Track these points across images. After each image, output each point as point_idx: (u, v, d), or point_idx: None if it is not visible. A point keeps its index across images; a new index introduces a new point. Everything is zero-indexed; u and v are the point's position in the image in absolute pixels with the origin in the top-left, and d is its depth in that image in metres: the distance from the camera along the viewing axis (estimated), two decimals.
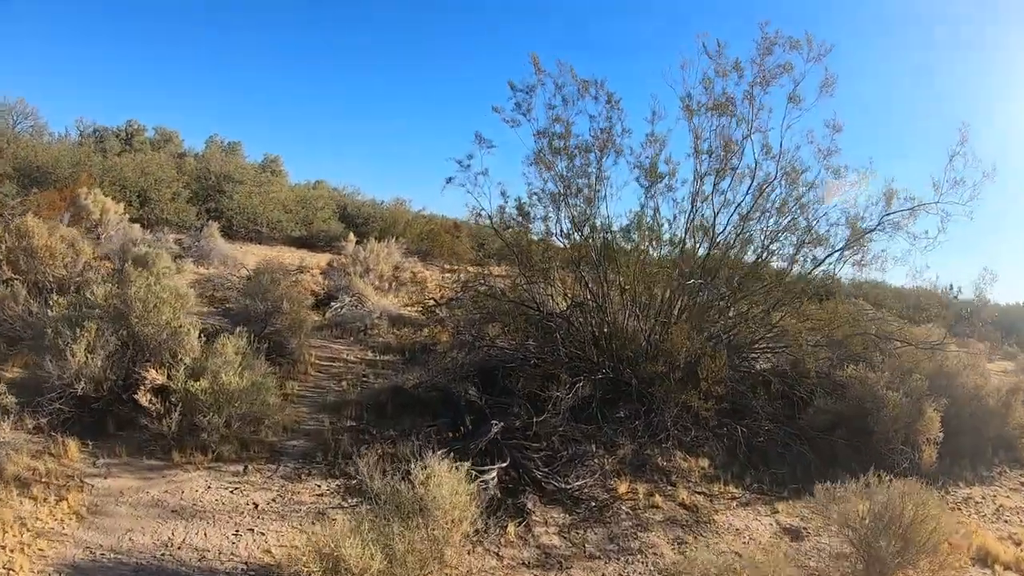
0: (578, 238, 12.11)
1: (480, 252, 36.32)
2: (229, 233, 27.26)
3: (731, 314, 12.23)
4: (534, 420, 9.38)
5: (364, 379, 11.93)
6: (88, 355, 8.25)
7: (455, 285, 15.69)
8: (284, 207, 30.75)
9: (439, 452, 7.57)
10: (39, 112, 31.05)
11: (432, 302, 18.57)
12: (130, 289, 8.75)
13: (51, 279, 11.12)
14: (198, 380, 8.02)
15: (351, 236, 23.81)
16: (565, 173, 11.82)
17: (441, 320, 15.63)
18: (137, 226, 21.61)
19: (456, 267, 15.51)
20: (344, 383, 11.58)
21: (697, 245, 12.14)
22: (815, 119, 11.56)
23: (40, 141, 28.82)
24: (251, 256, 24.25)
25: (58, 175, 23.74)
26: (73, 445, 7.95)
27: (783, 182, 11.73)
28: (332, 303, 16.50)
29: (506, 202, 12.06)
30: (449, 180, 11.79)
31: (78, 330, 8.24)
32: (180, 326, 8.57)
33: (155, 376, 8.04)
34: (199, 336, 8.75)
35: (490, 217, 12.01)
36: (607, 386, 10.90)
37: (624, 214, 12.43)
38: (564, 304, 12.49)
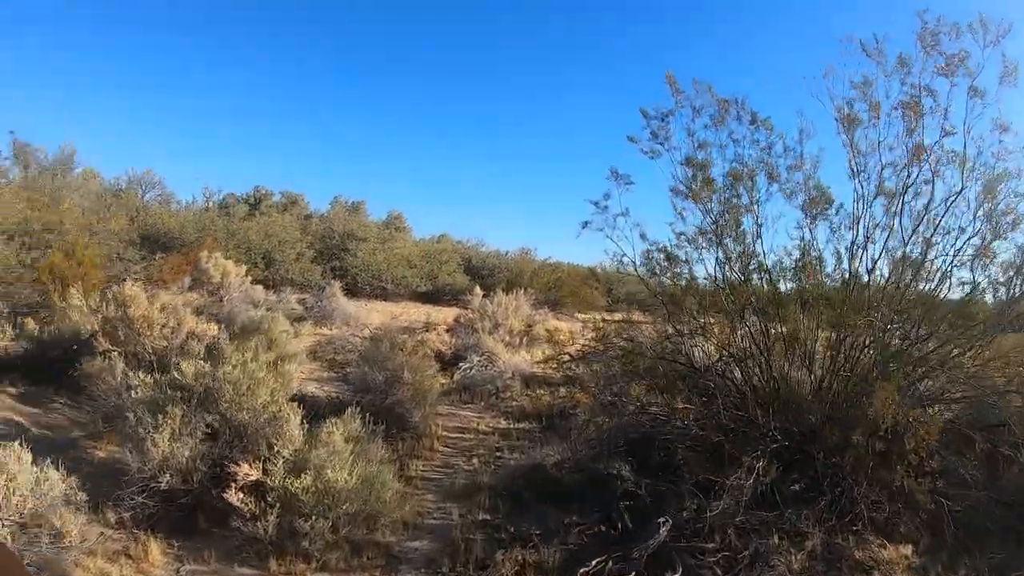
0: (734, 281, 10.22)
1: (608, 298, 35.06)
2: (354, 291, 26.72)
3: (931, 360, 10.00)
4: (707, 513, 7.49)
5: (498, 454, 10.30)
6: (173, 444, 6.86)
7: (591, 338, 14.03)
8: (408, 262, 30.03)
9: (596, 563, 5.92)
10: (165, 182, 31.50)
11: (567, 357, 17.01)
12: (220, 368, 7.35)
13: (149, 351, 9.96)
14: (299, 476, 6.48)
15: (477, 289, 22.37)
16: (715, 207, 9.99)
17: (579, 380, 13.99)
18: (260, 287, 20.85)
19: (595, 321, 13.85)
20: (475, 460, 9.96)
21: (881, 280, 10.06)
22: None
23: (167, 209, 28.91)
24: (376, 314, 23.28)
25: (184, 240, 23.60)
26: (155, 547, 6.48)
27: (977, 194, 9.49)
28: (460, 364, 14.99)
29: (650, 246, 10.31)
30: (585, 224, 10.15)
31: (160, 416, 6.85)
32: (279, 411, 7.06)
33: (248, 471, 6.57)
34: (302, 421, 7.20)
35: (634, 263, 10.31)
36: (779, 454, 8.97)
37: (774, 250, 10.40)
38: (716, 357, 10.63)
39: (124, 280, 18.01)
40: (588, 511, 8.02)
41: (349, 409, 7.54)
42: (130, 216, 24.50)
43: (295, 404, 7.46)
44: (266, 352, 8.64)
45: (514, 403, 13.38)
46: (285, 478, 6.48)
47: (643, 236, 10.32)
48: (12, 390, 10.34)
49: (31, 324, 12.45)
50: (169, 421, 6.78)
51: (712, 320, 10.72)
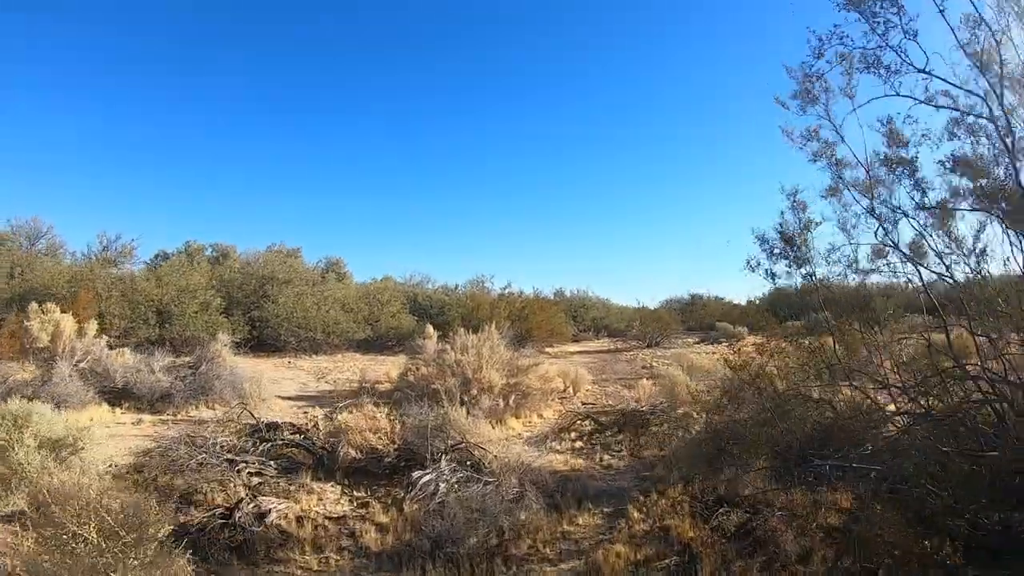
0: None
1: (577, 326, 27.32)
2: (276, 345, 19.43)
3: None
4: None
5: None
6: None
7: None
8: (343, 306, 22.25)
9: None
10: (54, 230, 23.97)
11: (589, 422, 9.17)
12: None
13: None
14: None
15: (429, 329, 13.98)
16: None
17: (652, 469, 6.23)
18: (126, 351, 12.77)
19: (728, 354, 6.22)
20: None
21: None
22: None
23: (56, 260, 21.40)
24: (299, 373, 15.57)
25: (58, 295, 15.51)
26: None
27: None
28: (415, 474, 6.73)
29: None
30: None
31: None
32: None
33: None
34: None
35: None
36: None
37: None
38: None
39: None
40: None
41: None
42: (9, 271, 18.07)
43: None
44: None
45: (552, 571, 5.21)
46: None
47: None
48: None
49: None
50: None
51: None
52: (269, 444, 7.63)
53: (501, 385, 10.36)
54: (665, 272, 71.18)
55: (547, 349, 23.13)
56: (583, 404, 11.92)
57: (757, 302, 38.29)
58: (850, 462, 5.83)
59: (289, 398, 12.24)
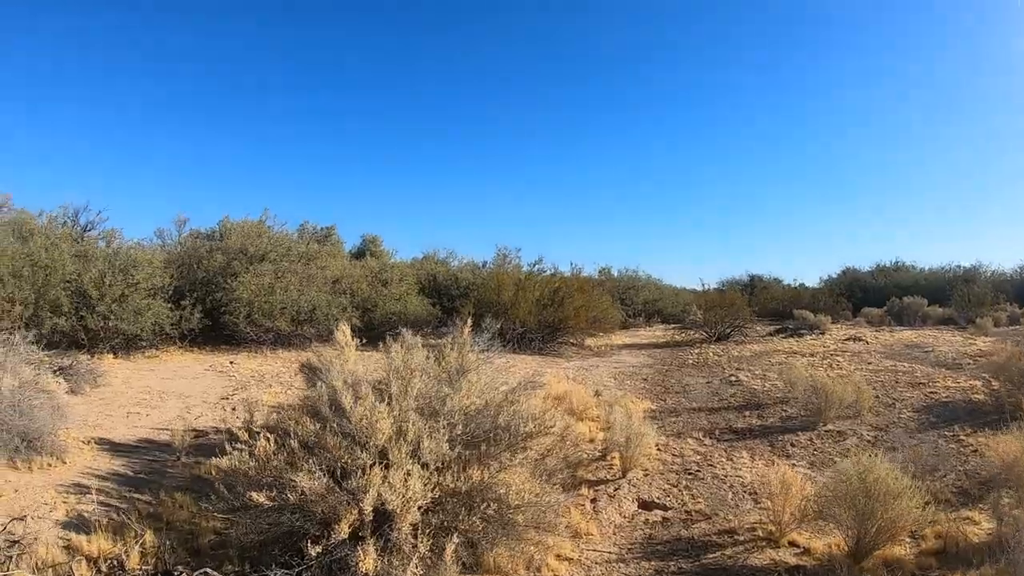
0: None
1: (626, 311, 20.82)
2: (236, 339, 13.61)
3: None
4: None
5: None
6: None
7: None
8: (335, 286, 15.72)
9: None
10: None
11: None
12: None
13: None
14: None
15: (342, 330, 6.76)
16: None
17: None
18: None
19: None
20: None
21: None
22: None
23: None
24: (216, 382, 10.33)
25: None
26: None
27: None
28: None
29: None
30: None
31: None
32: None
33: None
34: None
35: None
36: None
37: None
38: None
39: None
40: None
41: None
42: None
43: None
44: None
45: None
46: None
47: None
48: None
49: None
50: None
51: None
52: None
53: (438, 491, 3.65)
54: (710, 251, 62.87)
55: (587, 342, 16.46)
56: (643, 509, 4.99)
57: (824, 285, 30.77)
58: None
59: (116, 448, 5.82)
